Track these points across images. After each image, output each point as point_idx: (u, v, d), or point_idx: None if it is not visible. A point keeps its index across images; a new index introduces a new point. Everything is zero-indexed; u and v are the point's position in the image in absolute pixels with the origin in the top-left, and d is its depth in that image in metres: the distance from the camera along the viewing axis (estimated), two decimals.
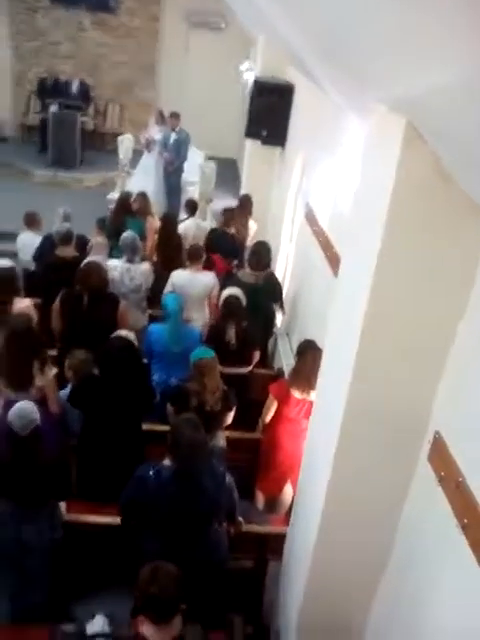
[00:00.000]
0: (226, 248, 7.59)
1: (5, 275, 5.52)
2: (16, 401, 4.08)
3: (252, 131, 8.73)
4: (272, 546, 4.42)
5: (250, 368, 5.67)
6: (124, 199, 8.18)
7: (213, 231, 7.91)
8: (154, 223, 8.00)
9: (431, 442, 2.90)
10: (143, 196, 8.22)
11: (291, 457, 4.73)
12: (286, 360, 6.50)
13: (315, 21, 2.86)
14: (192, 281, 6.31)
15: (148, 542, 3.66)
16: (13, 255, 7.45)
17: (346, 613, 3.55)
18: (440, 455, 2.81)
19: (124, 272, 6.25)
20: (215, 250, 7.38)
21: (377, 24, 1.97)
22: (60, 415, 4.78)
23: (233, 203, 8.89)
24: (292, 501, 4.50)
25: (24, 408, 3.84)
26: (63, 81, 13.75)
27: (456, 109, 1.79)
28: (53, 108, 12.60)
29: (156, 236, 7.68)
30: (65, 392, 4.86)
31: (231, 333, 5.44)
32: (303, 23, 3.28)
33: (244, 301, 5.59)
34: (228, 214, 7.97)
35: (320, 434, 3.52)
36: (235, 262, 7.72)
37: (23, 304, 5.48)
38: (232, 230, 7.90)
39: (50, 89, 13.58)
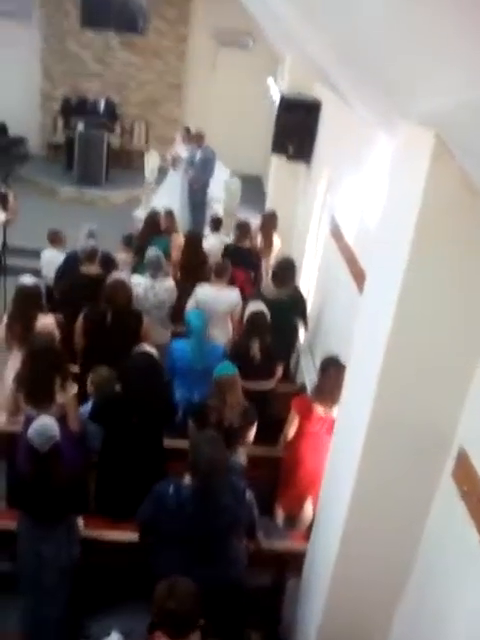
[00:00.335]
0: (243, 262, 7.58)
1: (30, 292, 5.56)
2: (36, 417, 4.09)
3: (278, 147, 8.75)
4: (292, 563, 4.38)
5: (273, 383, 5.63)
6: (152, 217, 8.22)
7: (228, 246, 7.88)
8: (179, 240, 8.02)
9: (455, 457, 2.86)
10: (170, 215, 8.26)
11: (312, 473, 4.68)
12: (309, 376, 6.46)
13: (344, 36, 2.86)
14: (217, 297, 6.30)
15: (166, 558, 3.62)
16: (37, 272, 7.54)
17: (365, 631, 3.51)
18: (464, 470, 2.78)
19: (148, 288, 6.27)
20: (232, 265, 7.36)
21: (406, 39, 1.96)
22: (80, 432, 4.77)
23: (258, 219, 8.89)
24: (312, 518, 4.45)
25: (44, 425, 3.84)
26: (90, 100, 13.93)
27: None
28: (80, 126, 12.76)
29: (180, 252, 7.70)
30: (86, 408, 4.86)
31: (255, 348, 5.41)
32: (332, 39, 3.29)
33: (268, 316, 5.56)
34: (243, 228, 7.95)
35: (343, 450, 3.49)
36: (253, 275, 7.73)
37: (46, 321, 5.51)
38: (247, 244, 7.89)
39: (77, 108, 13.77)
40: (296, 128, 8.38)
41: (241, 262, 7.49)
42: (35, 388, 4.51)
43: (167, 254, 7.33)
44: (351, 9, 2.25)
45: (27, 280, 5.72)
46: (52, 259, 7.36)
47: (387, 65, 2.48)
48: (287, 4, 3.93)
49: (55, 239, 7.51)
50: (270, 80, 11.03)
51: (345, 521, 3.25)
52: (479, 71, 1.62)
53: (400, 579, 3.30)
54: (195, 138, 10.51)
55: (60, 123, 14.56)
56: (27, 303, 5.46)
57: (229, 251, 7.69)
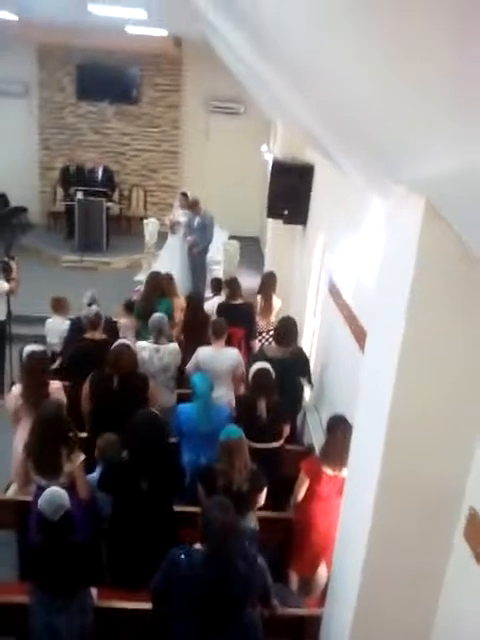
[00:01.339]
0: (237, 319, 7.67)
1: (40, 358, 5.62)
2: (46, 487, 4.10)
3: (273, 211, 8.92)
4: (308, 629, 4.29)
5: (280, 443, 5.64)
6: (154, 279, 8.32)
7: (221, 305, 7.97)
8: (180, 303, 8.13)
9: (467, 518, 2.86)
10: (170, 279, 8.38)
11: (325, 536, 4.64)
12: (316, 435, 6.46)
13: (332, 105, 2.97)
14: (217, 357, 6.36)
15: (180, 627, 3.58)
16: (42, 339, 7.63)
17: None
18: (476, 531, 2.76)
19: (153, 353, 6.33)
20: (228, 322, 7.42)
21: (394, 108, 2.04)
22: (90, 499, 4.77)
23: (257, 280, 9.02)
24: (327, 582, 4.40)
25: (54, 494, 3.85)
26: (88, 169, 14.27)
27: (475, 190, 1.84)
28: (79, 195, 13.04)
29: (183, 315, 7.80)
30: (94, 476, 4.86)
31: (262, 407, 5.43)
32: (320, 107, 3.41)
33: (273, 375, 5.60)
34: (232, 285, 8.04)
35: (353, 511, 3.48)
36: (248, 330, 7.81)
37: (53, 387, 5.57)
38: (239, 300, 7.98)
39: (75, 177, 14.07)
40: (290, 192, 8.54)
41: (236, 319, 7.58)
42: (42, 458, 4.53)
43: (170, 315, 7.42)
44: (339, 79, 2.35)
45: (34, 347, 5.80)
46: (56, 326, 7.50)
47: (375, 133, 2.56)
48: (273, 72, 4.08)
49: (58, 306, 7.62)
50: (263, 147, 11.32)
51: (360, 584, 3.22)
52: (466, 139, 1.69)
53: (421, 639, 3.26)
54: (191, 205, 10.71)
55: (59, 192, 14.88)
56: (38, 370, 5.51)
57: (223, 309, 7.78)
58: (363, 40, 1.76)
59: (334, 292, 6.41)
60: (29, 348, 5.80)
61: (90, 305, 7.14)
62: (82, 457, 4.66)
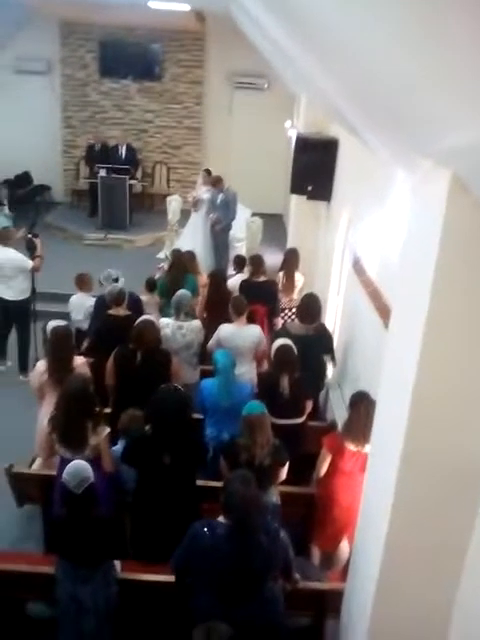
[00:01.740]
0: (259, 296, 7.66)
1: (64, 333, 5.69)
2: (71, 460, 4.15)
3: (297, 187, 8.85)
4: (329, 603, 4.33)
5: (303, 419, 5.65)
6: (177, 256, 8.34)
7: (243, 282, 7.96)
8: (203, 280, 8.14)
9: None
10: (191, 256, 8.38)
11: (347, 511, 4.66)
12: (338, 411, 6.45)
13: (358, 78, 2.93)
14: (239, 334, 6.36)
15: (203, 600, 3.62)
16: (65, 316, 7.68)
17: None
18: None
19: (176, 330, 6.36)
20: (251, 300, 7.43)
21: (422, 79, 2.01)
22: (114, 473, 4.82)
23: (279, 258, 8.99)
24: (349, 556, 4.42)
25: (78, 467, 3.90)
26: (111, 146, 14.26)
27: None
28: (102, 173, 13.04)
29: (205, 292, 7.81)
30: (117, 448, 4.91)
31: (284, 383, 5.43)
32: (346, 80, 3.37)
33: (296, 351, 5.60)
34: (256, 262, 8.03)
35: (376, 486, 3.48)
36: (271, 307, 7.83)
37: (77, 362, 5.62)
38: (262, 278, 7.97)
39: (99, 155, 14.07)
40: (314, 167, 8.45)
41: (259, 296, 7.58)
42: (68, 431, 4.59)
43: (195, 292, 7.44)
44: (366, 51, 2.32)
45: (58, 323, 5.85)
46: (80, 302, 7.54)
47: (402, 105, 2.53)
48: (300, 48, 4.03)
49: (82, 283, 7.66)
50: (287, 122, 11.21)
51: (382, 559, 3.22)
52: None
53: (443, 616, 3.24)
54: (214, 182, 10.67)
55: (83, 170, 14.90)
56: (63, 345, 5.58)
57: (245, 286, 7.78)
58: (391, 11, 1.73)
59: (358, 268, 6.36)
60: (53, 324, 5.87)
61: (115, 280, 7.19)
62: (107, 430, 4.70)
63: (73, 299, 7.71)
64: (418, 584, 3.23)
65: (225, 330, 6.40)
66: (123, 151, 14.09)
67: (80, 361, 5.69)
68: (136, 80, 14.81)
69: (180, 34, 14.30)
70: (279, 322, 7.91)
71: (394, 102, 2.58)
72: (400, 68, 2.11)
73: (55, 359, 5.46)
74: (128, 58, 14.47)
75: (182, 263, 8.15)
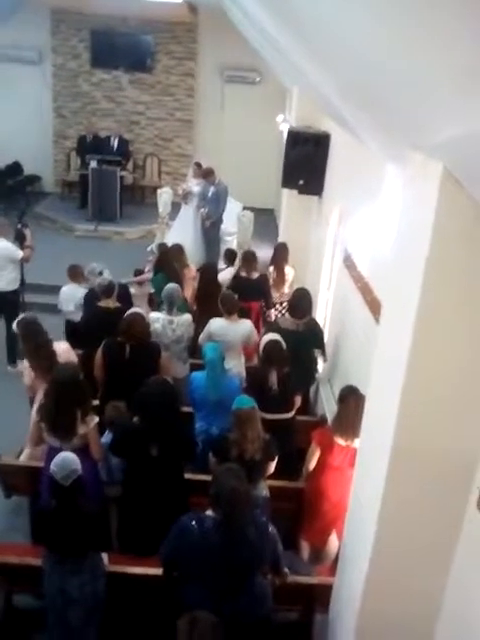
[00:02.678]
0: (252, 293, 7.64)
1: (32, 320, 5.77)
2: (59, 449, 4.13)
3: (288, 181, 8.83)
4: (318, 597, 4.33)
5: (292, 414, 5.64)
6: (163, 250, 8.31)
7: (234, 278, 7.94)
8: (191, 273, 8.11)
9: (479, 488, 2.85)
10: (180, 250, 8.34)
11: (336, 506, 4.66)
12: (328, 406, 6.46)
13: (349, 71, 2.92)
14: (230, 329, 6.36)
15: (191, 593, 3.61)
16: (54, 307, 7.64)
17: None
18: None
19: (166, 324, 6.33)
20: (244, 296, 7.43)
21: (413, 72, 2.00)
22: (102, 461, 4.81)
23: (270, 252, 8.97)
24: (338, 551, 4.43)
25: (66, 459, 3.88)
26: (102, 137, 14.19)
27: None
28: (93, 164, 12.97)
29: (195, 285, 7.79)
30: (105, 440, 4.90)
31: (273, 379, 5.43)
32: (336, 74, 3.35)
33: (284, 346, 5.58)
34: (248, 258, 8.04)
35: (366, 481, 3.48)
36: (263, 303, 7.82)
37: (61, 348, 5.61)
38: (254, 274, 7.96)
39: (90, 146, 14.00)
40: (305, 162, 8.43)
41: (251, 293, 7.56)
42: (56, 420, 4.55)
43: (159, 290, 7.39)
44: (358, 44, 2.30)
45: (24, 316, 5.86)
46: (72, 294, 7.48)
47: (393, 98, 2.52)
48: (293, 40, 4.01)
49: (74, 274, 7.61)
50: (279, 117, 11.18)
51: (371, 553, 3.23)
52: None
53: (430, 611, 3.25)
54: (206, 174, 10.62)
55: (74, 161, 14.82)
56: (34, 332, 5.60)
57: (237, 283, 7.76)
58: (384, 5, 1.72)
59: (349, 263, 6.36)
60: (19, 320, 5.84)
61: (100, 274, 7.16)
62: (96, 419, 4.68)
63: (64, 290, 7.65)
64: (406, 579, 3.24)
65: (216, 324, 6.38)
66: (115, 143, 14.03)
67: (63, 347, 5.68)
68: (128, 71, 14.72)
69: (172, 25, 14.22)
70: (272, 315, 7.90)
71: (386, 94, 2.57)
72: (392, 61, 2.10)
73: (30, 349, 5.45)
74: (120, 49, 14.38)
75: (160, 258, 8.11)
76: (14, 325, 5.93)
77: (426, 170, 2.67)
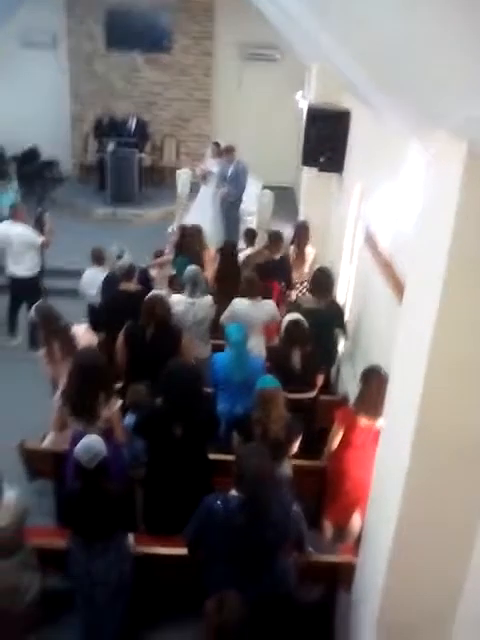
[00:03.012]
0: (274, 273, 7.63)
1: (46, 307, 5.82)
2: (83, 433, 4.16)
3: (308, 159, 8.73)
4: (342, 576, 4.35)
5: (314, 393, 5.64)
6: (183, 231, 8.29)
7: (257, 258, 7.90)
8: (210, 254, 8.08)
9: None
10: (198, 231, 8.30)
11: (359, 485, 4.66)
12: (350, 386, 6.45)
13: (374, 48, 2.89)
14: (254, 309, 6.36)
15: (216, 572, 3.65)
16: (75, 292, 7.66)
17: None
18: None
19: (188, 306, 6.33)
20: (266, 276, 7.41)
21: (439, 50, 1.97)
22: (127, 444, 4.84)
23: (290, 230, 8.93)
24: (361, 530, 4.44)
25: (90, 442, 3.91)
26: (120, 120, 14.13)
27: None
28: (110, 147, 12.90)
29: (215, 265, 7.77)
30: (128, 422, 4.93)
31: (296, 358, 5.43)
32: (362, 50, 3.31)
33: (306, 325, 5.57)
34: (275, 239, 8.01)
35: (389, 461, 3.48)
36: (284, 284, 7.82)
37: (79, 330, 5.66)
38: (277, 256, 7.93)
39: (107, 128, 13.95)
40: (326, 139, 8.33)
41: (273, 273, 7.54)
42: (80, 403, 4.59)
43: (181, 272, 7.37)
44: (386, 18, 2.27)
45: (38, 303, 5.94)
46: (95, 277, 7.45)
47: (417, 75, 2.49)
48: (317, 15, 3.95)
49: (98, 257, 7.61)
50: (298, 94, 11.06)
51: (394, 532, 3.23)
52: None
53: (454, 590, 3.26)
54: (226, 152, 10.55)
55: (91, 144, 14.78)
56: (50, 318, 5.65)
57: (261, 264, 7.73)
58: None
59: (371, 242, 6.31)
60: (34, 308, 5.88)
61: (119, 258, 7.15)
62: (119, 402, 4.71)
63: (87, 274, 7.64)
64: (430, 558, 3.25)
65: (239, 305, 6.38)
66: (133, 124, 13.95)
67: (82, 329, 5.72)
68: (144, 52, 14.61)
69: (189, 4, 14.07)
70: (293, 295, 7.88)
71: (412, 71, 2.54)
72: (421, 36, 2.07)
73: (47, 334, 5.49)
74: (136, 29, 14.24)
75: (179, 241, 8.09)
76: (31, 312, 5.98)
77: (450, 149, 2.64)
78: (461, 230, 2.61)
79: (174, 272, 7.72)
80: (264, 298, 6.60)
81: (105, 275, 7.18)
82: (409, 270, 3.52)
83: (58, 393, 5.00)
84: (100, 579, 3.97)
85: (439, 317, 2.75)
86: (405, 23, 2.06)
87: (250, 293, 6.41)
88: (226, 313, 6.43)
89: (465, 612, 3.25)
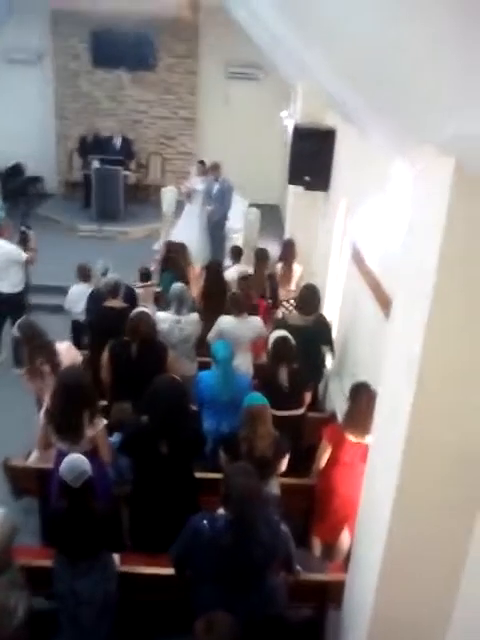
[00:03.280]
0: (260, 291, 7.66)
1: (28, 323, 5.77)
2: (68, 452, 4.10)
3: (295, 178, 8.79)
4: (331, 594, 4.31)
5: (302, 410, 5.62)
6: (168, 248, 8.27)
7: (244, 278, 7.88)
8: (194, 272, 8.08)
9: None
10: (183, 248, 8.30)
11: (348, 503, 4.63)
12: (338, 402, 6.44)
13: (357, 64, 2.90)
14: (240, 327, 6.34)
15: (204, 593, 3.59)
16: (60, 309, 7.62)
17: None
18: None
19: (174, 324, 6.30)
20: (251, 294, 7.41)
21: (425, 68, 1.98)
22: (112, 463, 4.79)
23: (277, 248, 8.96)
24: (350, 548, 4.41)
25: (75, 461, 3.86)
26: (105, 137, 14.18)
27: None
28: (95, 164, 12.94)
29: (201, 283, 7.76)
30: (113, 440, 4.88)
31: (283, 375, 5.40)
32: (345, 67, 3.33)
33: (293, 342, 5.56)
34: (260, 257, 8.04)
35: (378, 478, 3.45)
36: (270, 301, 7.84)
37: (62, 347, 5.61)
38: (265, 272, 7.95)
39: (92, 146, 14.00)
40: (311, 157, 8.40)
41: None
42: (64, 423, 4.52)
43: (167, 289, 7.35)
44: (370, 36, 2.28)
45: (21, 320, 5.88)
46: (82, 293, 7.42)
47: (406, 91, 2.50)
48: (300, 34, 3.98)
49: (84, 274, 7.57)
50: (283, 112, 11.15)
51: (383, 550, 3.21)
52: None
53: (445, 606, 3.23)
54: (212, 169, 10.59)
55: (76, 161, 14.79)
56: (33, 333, 5.61)
57: (248, 280, 7.71)
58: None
59: (357, 259, 6.33)
60: (18, 325, 5.85)
61: (104, 275, 7.14)
62: (104, 422, 4.65)
63: (73, 290, 7.61)
64: (420, 574, 3.22)
65: (226, 322, 6.36)
66: (118, 142, 14.02)
67: (64, 346, 5.67)
68: (129, 70, 14.70)
69: (174, 23, 14.15)
70: (279, 313, 7.88)
71: (398, 88, 2.54)
72: (405, 53, 2.08)
73: (30, 351, 5.44)
74: (121, 48, 14.35)
75: (166, 257, 8.08)
76: (14, 329, 5.94)
77: (437, 165, 2.64)
78: (449, 246, 2.61)
79: (160, 289, 7.70)
80: (250, 315, 6.58)
81: (90, 291, 7.15)
82: (396, 286, 3.52)
83: (42, 411, 4.93)
84: (85, 599, 3.91)
85: (428, 333, 2.75)
86: (389, 38, 2.07)
87: (236, 310, 6.39)
88: (212, 331, 6.40)
89: (456, 630, 3.23)
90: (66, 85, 14.85)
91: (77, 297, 7.47)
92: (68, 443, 4.50)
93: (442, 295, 2.69)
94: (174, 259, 7.99)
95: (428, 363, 2.80)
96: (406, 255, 3.23)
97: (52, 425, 4.56)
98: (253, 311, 6.89)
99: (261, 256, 7.99)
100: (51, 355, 5.46)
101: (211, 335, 6.40)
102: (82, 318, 7.30)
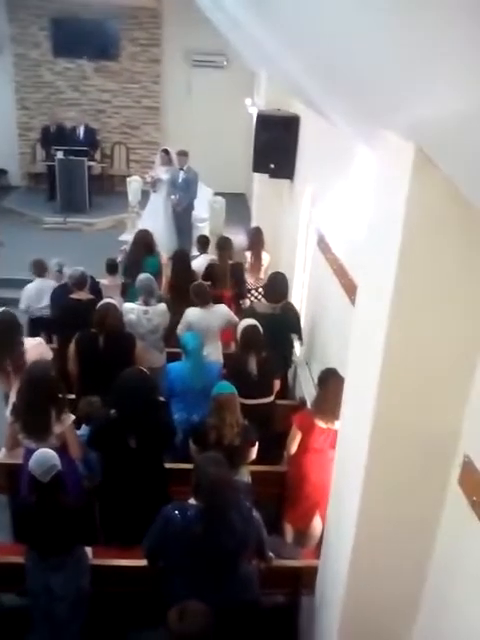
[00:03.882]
0: (225, 280, 7.63)
1: (10, 319, 5.55)
2: (36, 449, 4.06)
3: (259, 165, 8.76)
4: (304, 580, 4.35)
5: (272, 398, 5.63)
6: (143, 237, 8.15)
7: (210, 266, 7.87)
8: (163, 260, 8.04)
9: (461, 465, 2.86)
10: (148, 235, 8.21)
11: (319, 488, 4.67)
12: (307, 389, 6.47)
13: (319, 56, 2.88)
14: (207, 316, 6.32)
15: (177, 583, 3.60)
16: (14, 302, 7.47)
17: None
18: (471, 478, 2.77)
19: (141, 314, 6.26)
20: (215, 284, 7.37)
21: (383, 54, 1.97)
22: (83, 458, 4.75)
23: (244, 237, 8.94)
24: (322, 533, 4.44)
25: (44, 455, 3.83)
26: (69, 128, 13.99)
27: (469, 134, 1.78)
28: (59, 155, 12.77)
29: (168, 273, 7.72)
30: (82, 433, 4.85)
31: (252, 364, 5.41)
32: (305, 52, 3.31)
33: (261, 331, 5.57)
34: (224, 246, 7.95)
35: (347, 463, 3.48)
36: (236, 291, 7.82)
37: (31, 343, 5.53)
38: (229, 262, 7.91)
39: (54, 137, 13.79)
40: (276, 145, 8.36)
41: (226, 280, 7.52)
42: (31, 421, 4.45)
43: (156, 274, 7.31)
44: (330, 24, 2.26)
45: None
46: (43, 288, 7.30)
47: (366, 78, 2.49)
48: (261, 21, 3.95)
49: (41, 269, 7.45)
50: (247, 100, 11.10)
51: (354, 534, 3.23)
52: (462, 83, 1.63)
53: (415, 589, 3.27)
54: (178, 158, 10.51)
55: (40, 153, 14.59)
56: (10, 331, 5.45)
57: (210, 270, 7.70)
58: None
59: (323, 246, 6.34)
60: None
61: (59, 272, 7.06)
62: (72, 417, 4.60)
63: (31, 286, 7.42)
64: (390, 559, 3.25)
65: (193, 314, 6.33)
66: (81, 132, 13.83)
67: (34, 342, 5.59)
68: (92, 59, 14.51)
69: (136, 11, 14.02)
70: (247, 303, 7.87)
71: (358, 74, 2.53)
72: (365, 40, 2.06)
73: (5, 347, 5.34)
74: (83, 36, 14.12)
75: (146, 242, 7.98)
76: None
77: (398, 151, 2.65)
78: (410, 231, 2.62)
79: (127, 280, 7.62)
80: (215, 303, 6.56)
81: (53, 286, 7.06)
82: (361, 273, 3.53)
83: (9, 408, 4.87)
84: (58, 594, 3.89)
85: (391, 318, 2.76)
86: (344, 24, 2.05)
87: (200, 301, 6.37)
88: (181, 325, 6.36)
89: (426, 611, 3.27)
90: (27, 75, 14.61)
91: (36, 292, 7.33)
92: (35, 440, 4.43)
93: (404, 281, 2.70)
94: (140, 250, 7.91)
95: (392, 348, 2.81)
96: (369, 241, 3.24)
97: (19, 423, 4.49)
98: (217, 302, 6.86)
99: (223, 245, 7.93)
100: (18, 352, 5.34)
101: (180, 328, 6.37)
102: (45, 314, 7.17)
